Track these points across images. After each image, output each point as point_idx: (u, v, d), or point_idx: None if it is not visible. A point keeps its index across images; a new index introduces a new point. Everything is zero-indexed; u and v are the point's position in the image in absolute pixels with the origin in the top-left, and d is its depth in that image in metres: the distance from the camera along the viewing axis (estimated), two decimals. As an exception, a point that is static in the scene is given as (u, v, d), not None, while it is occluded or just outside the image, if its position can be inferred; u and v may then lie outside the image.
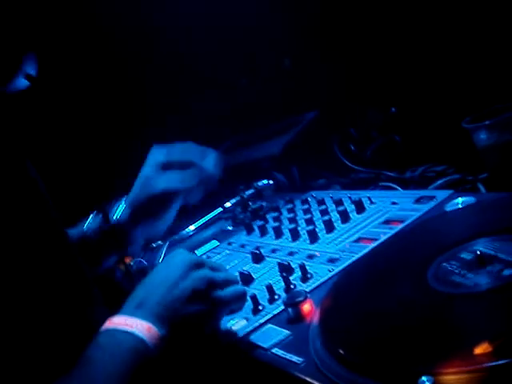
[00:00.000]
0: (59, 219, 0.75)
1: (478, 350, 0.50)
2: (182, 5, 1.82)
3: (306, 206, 1.19)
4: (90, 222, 1.01)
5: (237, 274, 0.94)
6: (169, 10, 1.80)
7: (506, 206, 0.79)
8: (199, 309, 0.73)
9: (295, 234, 1.06)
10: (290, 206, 1.24)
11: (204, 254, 1.21)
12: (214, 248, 1.22)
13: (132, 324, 0.69)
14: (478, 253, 0.66)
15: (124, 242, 1.00)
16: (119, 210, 1.00)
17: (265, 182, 1.42)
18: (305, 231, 1.04)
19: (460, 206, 0.90)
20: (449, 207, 0.91)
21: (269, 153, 1.70)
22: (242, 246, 1.15)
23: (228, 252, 1.15)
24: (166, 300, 0.72)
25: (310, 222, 1.08)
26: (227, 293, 0.76)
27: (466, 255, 0.68)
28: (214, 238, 1.28)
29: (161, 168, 1.00)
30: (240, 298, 0.78)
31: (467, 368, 0.48)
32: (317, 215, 1.12)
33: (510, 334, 0.50)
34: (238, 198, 1.39)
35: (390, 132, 1.55)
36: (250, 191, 1.39)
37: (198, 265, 0.77)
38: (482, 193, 1.02)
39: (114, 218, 0.99)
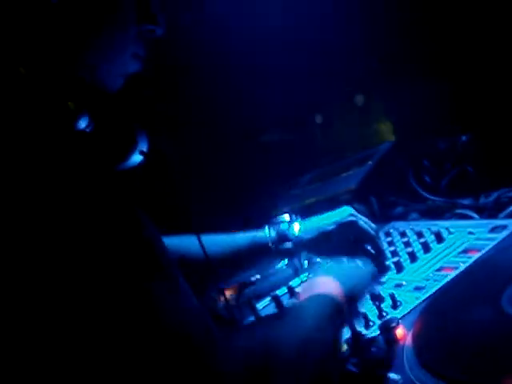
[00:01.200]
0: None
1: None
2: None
3: (389, 239, 1.31)
4: (272, 234, 1.19)
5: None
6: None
7: None
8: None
9: (383, 266, 1.19)
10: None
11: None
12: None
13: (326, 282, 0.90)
14: (547, 280, 0.78)
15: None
16: (295, 230, 1.18)
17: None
18: (391, 262, 1.17)
19: (531, 235, 1.01)
20: (521, 236, 1.03)
21: (347, 186, 1.82)
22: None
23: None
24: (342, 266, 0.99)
25: (394, 253, 1.20)
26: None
27: (536, 282, 0.80)
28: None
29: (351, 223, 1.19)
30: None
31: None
32: (400, 246, 1.24)
33: None
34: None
35: (463, 161, 1.65)
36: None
37: None
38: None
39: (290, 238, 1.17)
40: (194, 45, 2.02)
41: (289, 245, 1.18)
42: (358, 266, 1.00)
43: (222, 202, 2.20)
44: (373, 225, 1.20)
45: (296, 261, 1.21)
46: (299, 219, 1.22)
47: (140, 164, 0.86)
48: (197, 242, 0.96)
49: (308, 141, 2.32)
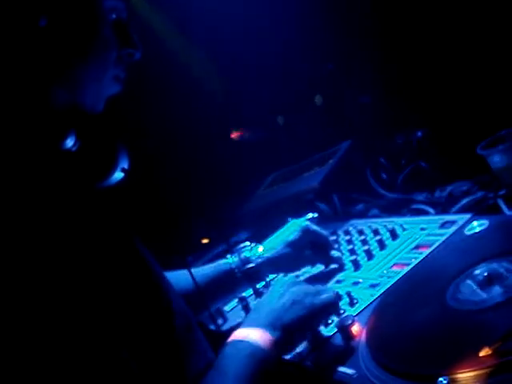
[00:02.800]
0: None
1: (482, 353, 0.68)
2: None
3: (348, 237, 1.37)
4: (234, 260, 1.23)
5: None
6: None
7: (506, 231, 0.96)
8: (299, 314, 0.93)
9: (341, 265, 1.25)
10: (334, 237, 1.42)
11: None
12: (271, 279, 1.41)
13: (248, 333, 0.88)
14: (486, 274, 0.84)
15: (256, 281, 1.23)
16: (256, 254, 1.23)
17: (310, 215, 1.58)
18: (349, 260, 1.23)
19: (477, 230, 1.08)
20: (467, 231, 1.09)
21: (310, 185, 1.88)
22: (297, 276, 1.33)
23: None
24: (272, 310, 0.93)
25: (352, 251, 1.26)
26: (321, 298, 0.97)
27: (477, 276, 0.86)
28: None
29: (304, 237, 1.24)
30: (333, 301, 0.98)
31: (473, 368, 0.66)
32: (358, 244, 1.30)
33: (504, 339, 0.68)
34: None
35: (418, 158, 1.71)
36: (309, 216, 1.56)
37: (295, 283, 1.00)
38: (496, 215, 1.16)
39: (253, 261, 1.22)
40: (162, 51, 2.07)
41: (252, 266, 1.22)
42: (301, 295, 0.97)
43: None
44: (324, 231, 1.28)
45: (264, 282, 1.25)
46: (259, 244, 1.28)
47: (121, 181, 0.89)
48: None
49: (271, 142, 2.36)
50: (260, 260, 1.24)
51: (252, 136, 2.45)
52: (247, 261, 1.23)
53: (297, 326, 0.93)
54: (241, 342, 0.87)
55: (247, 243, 1.29)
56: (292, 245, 1.26)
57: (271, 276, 1.29)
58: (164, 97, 2.13)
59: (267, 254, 1.25)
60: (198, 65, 2.13)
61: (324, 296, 0.98)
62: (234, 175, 2.35)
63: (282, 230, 1.31)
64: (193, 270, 1.17)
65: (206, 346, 0.85)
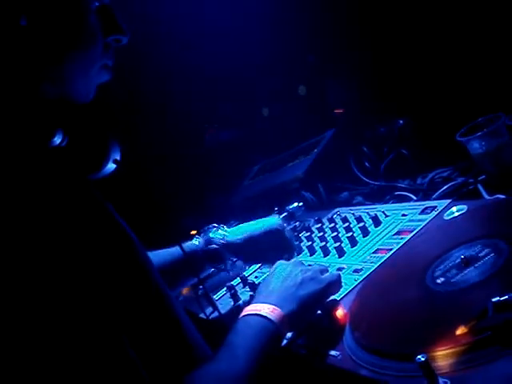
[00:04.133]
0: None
1: (458, 332, 0.72)
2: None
3: (332, 224, 1.40)
4: (199, 241, 1.27)
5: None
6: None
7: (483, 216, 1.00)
8: (310, 291, 0.96)
9: (325, 251, 1.28)
10: (319, 225, 1.45)
11: (252, 273, 1.43)
12: (258, 268, 1.44)
13: (260, 308, 0.91)
14: (462, 257, 0.87)
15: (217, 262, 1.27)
16: (219, 237, 1.26)
17: (295, 205, 1.61)
18: (333, 247, 1.26)
19: (456, 214, 1.12)
20: (446, 216, 1.13)
21: (295, 174, 1.91)
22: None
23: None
24: (284, 287, 0.97)
25: (336, 238, 1.29)
26: (327, 276, 1.01)
27: (454, 259, 0.90)
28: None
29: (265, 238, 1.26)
30: (337, 280, 1.02)
31: (449, 346, 0.70)
32: (342, 232, 1.33)
33: (479, 317, 0.71)
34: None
35: (399, 145, 1.75)
36: (284, 214, 1.60)
37: (300, 263, 1.05)
38: (475, 200, 1.20)
39: (215, 242, 1.26)
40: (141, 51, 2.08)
41: (213, 247, 1.25)
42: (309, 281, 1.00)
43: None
44: (295, 241, 1.32)
45: (225, 265, 1.28)
46: (226, 226, 1.31)
47: (114, 172, 0.91)
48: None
49: (256, 134, 2.39)
50: (221, 242, 1.26)
51: (224, 135, 2.48)
52: (210, 242, 1.26)
53: (308, 303, 0.96)
54: (253, 317, 0.90)
55: (214, 225, 1.31)
56: (252, 239, 1.27)
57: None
58: (150, 90, 2.14)
59: (229, 238, 1.28)
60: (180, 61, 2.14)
61: (329, 274, 1.02)
62: (220, 167, 2.37)
63: (258, 220, 1.33)
64: (159, 251, 1.22)
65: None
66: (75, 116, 0.87)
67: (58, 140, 0.82)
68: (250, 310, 0.92)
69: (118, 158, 0.91)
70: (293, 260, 1.09)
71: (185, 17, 2.02)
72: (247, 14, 2.00)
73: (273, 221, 1.30)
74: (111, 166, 0.90)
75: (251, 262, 1.34)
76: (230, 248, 1.27)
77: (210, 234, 1.28)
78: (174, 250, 1.24)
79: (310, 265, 1.09)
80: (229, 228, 1.32)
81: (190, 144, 2.38)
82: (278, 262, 1.06)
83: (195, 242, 1.28)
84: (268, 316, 0.89)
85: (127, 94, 1.97)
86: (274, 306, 0.91)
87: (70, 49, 0.83)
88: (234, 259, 1.29)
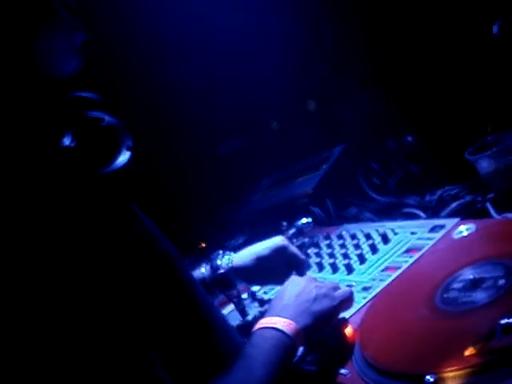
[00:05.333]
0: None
1: (467, 353, 0.72)
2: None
3: (341, 241, 1.41)
4: (206, 268, 1.26)
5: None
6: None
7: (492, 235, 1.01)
8: (325, 307, 0.98)
9: (334, 268, 1.29)
10: (327, 241, 1.46)
11: (260, 289, 1.44)
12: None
13: (275, 322, 0.92)
14: (471, 277, 0.88)
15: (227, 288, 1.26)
16: (226, 262, 1.26)
17: (304, 221, 1.62)
18: (342, 264, 1.27)
19: (465, 234, 1.12)
20: (455, 235, 1.14)
21: (304, 190, 1.92)
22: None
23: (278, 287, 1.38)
24: (298, 301, 0.98)
25: (345, 255, 1.30)
26: (340, 293, 1.02)
27: (462, 279, 0.90)
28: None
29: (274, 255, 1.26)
30: (350, 297, 1.03)
31: (458, 367, 0.71)
32: (351, 248, 1.34)
33: (487, 338, 0.72)
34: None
35: (408, 162, 1.76)
36: (293, 230, 1.61)
37: (314, 279, 1.06)
38: (483, 219, 1.20)
39: (222, 268, 1.25)
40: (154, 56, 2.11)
41: (221, 272, 1.25)
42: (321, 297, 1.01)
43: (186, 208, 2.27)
44: (302, 256, 1.30)
45: (234, 292, 1.28)
46: (232, 252, 1.30)
47: (130, 160, 0.89)
48: None
49: (265, 147, 2.41)
50: (228, 267, 1.26)
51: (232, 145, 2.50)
52: (217, 268, 1.26)
53: (321, 319, 0.97)
54: (269, 331, 0.91)
55: (220, 251, 1.31)
56: (261, 259, 1.27)
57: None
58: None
59: (236, 263, 1.28)
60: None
61: (342, 291, 1.04)
62: (229, 180, 2.39)
63: (262, 242, 1.32)
64: None
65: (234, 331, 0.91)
66: (83, 112, 0.85)
67: (67, 141, 0.81)
68: (265, 322, 0.93)
69: (130, 144, 0.89)
70: (306, 276, 1.10)
71: (204, 28, 2.05)
72: (261, 28, 2.03)
73: (277, 239, 1.30)
74: (126, 155, 0.88)
75: (261, 283, 1.35)
76: (239, 272, 1.27)
77: (218, 261, 1.27)
78: None
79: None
80: (235, 252, 1.31)
81: (198, 154, 2.40)
82: (292, 277, 1.07)
83: (202, 270, 1.28)
84: (284, 330, 0.90)
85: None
86: (289, 320, 0.92)
87: (40, 19, 0.81)
88: (240, 288, 1.29)
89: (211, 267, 1.27)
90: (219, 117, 2.39)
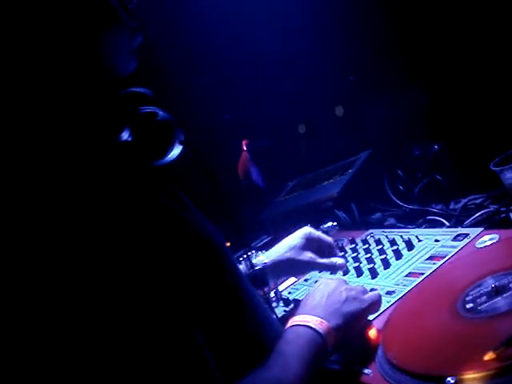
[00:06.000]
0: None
1: (487, 357, 0.76)
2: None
3: (366, 246, 1.45)
4: (243, 266, 1.30)
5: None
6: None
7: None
8: (355, 308, 1.02)
9: (359, 271, 1.33)
10: (352, 245, 1.50)
11: (285, 289, 1.49)
12: (292, 284, 1.50)
13: (308, 320, 0.96)
14: (493, 285, 0.92)
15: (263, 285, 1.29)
16: (262, 260, 1.31)
17: (329, 224, 1.65)
18: (366, 268, 1.31)
19: (488, 243, 1.16)
20: (478, 244, 1.17)
21: (330, 193, 1.96)
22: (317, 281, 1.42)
23: (306, 287, 1.43)
24: (329, 302, 1.02)
25: (370, 260, 1.34)
26: (369, 297, 1.07)
27: (485, 287, 0.94)
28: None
29: (306, 243, 1.32)
30: (378, 300, 1.08)
31: (478, 370, 0.75)
32: (375, 253, 1.38)
33: (507, 344, 0.76)
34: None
35: (434, 170, 1.79)
36: (318, 232, 1.64)
37: (344, 282, 1.10)
38: (507, 229, 1.23)
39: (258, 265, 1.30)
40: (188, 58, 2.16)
41: (258, 269, 1.29)
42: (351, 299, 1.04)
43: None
44: (328, 237, 1.38)
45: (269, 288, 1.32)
46: (264, 250, 1.36)
47: (181, 154, 0.92)
48: None
49: (292, 150, 2.45)
50: (265, 263, 1.31)
51: (259, 144, 2.53)
52: (253, 266, 1.30)
53: (351, 320, 1.01)
54: (302, 328, 0.95)
55: (252, 251, 1.36)
56: (293, 248, 1.34)
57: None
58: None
59: (271, 258, 1.33)
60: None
61: (372, 294, 1.08)
62: (254, 182, 2.43)
63: (286, 238, 1.39)
64: None
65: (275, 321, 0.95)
66: (141, 109, 0.90)
67: (125, 136, 0.86)
68: (298, 320, 0.97)
69: (183, 138, 0.93)
70: (337, 278, 1.14)
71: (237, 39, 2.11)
72: (296, 32, 2.08)
73: (304, 228, 1.38)
74: (178, 148, 0.91)
75: (297, 274, 1.41)
76: (274, 267, 1.32)
77: (253, 260, 1.32)
78: None
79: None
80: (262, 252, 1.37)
81: (228, 153, 2.45)
82: (323, 278, 1.12)
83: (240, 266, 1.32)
84: (316, 328, 0.94)
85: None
86: (321, 319, 0.96)
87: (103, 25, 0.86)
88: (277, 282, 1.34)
89: (247, 266, 1.31)
90: (246, 118, 2.43)
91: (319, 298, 1.04)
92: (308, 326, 0.95)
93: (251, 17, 2.12)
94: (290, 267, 1.34)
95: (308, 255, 1.34)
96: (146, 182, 0.83)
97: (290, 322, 0.98)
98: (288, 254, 1.33)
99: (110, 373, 0.72)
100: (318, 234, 1.38)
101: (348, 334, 1.01)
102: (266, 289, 1.31)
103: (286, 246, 1.35)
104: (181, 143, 0.92)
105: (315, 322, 0.96)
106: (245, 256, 1.32)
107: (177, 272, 0.78)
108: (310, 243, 1.36)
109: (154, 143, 0.88)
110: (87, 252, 0.73)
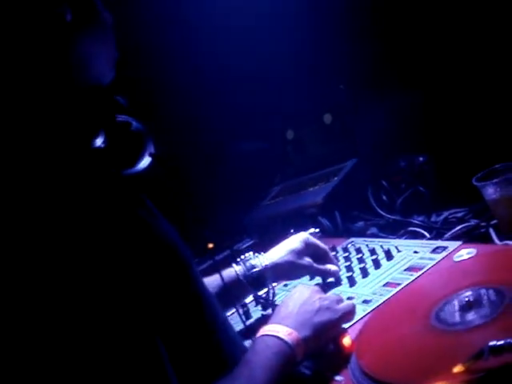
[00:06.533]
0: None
1: (456, 370, 0.78)
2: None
3: (346, 254, 1.46)
4: (239, 268, 1.31)
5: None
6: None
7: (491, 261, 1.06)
8: (327, 318, 1.02)
9: (337, 279, 1.34)
10: (333, 253, 1.50)
11: (264, 293, 1.49)
12: (271, 288, 1.49)
13: (278, 330, 0.96)
14: (467, 299, 0.93)
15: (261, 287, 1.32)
16: (261, 261, 1.32)
17: (312, 230, 1.66)
18: (345, 276, 1.32)
19: (465, 257, 1.17)
20: (456, 258, 1.19)
21: (314, 200, 1.97)
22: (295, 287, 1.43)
23: (285, 293, 1.44)
24: (301, 311, 1.02)
25: (349, 268, 1.35)
26: (342, 307, 1.07)
27: (459, 300, 0.95)
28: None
29: (305, 248, 1.34)
30: (352, 310, 1.08)
31: (447, 382, 0.76)
32: (355, 262, 1.40)
33: (476, 358, 0.77)
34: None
35: (417, 181, 1.80)
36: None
37: (319, 290, 1.10)
38: (485, 244, 1.25)
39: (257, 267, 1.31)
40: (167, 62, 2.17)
41: (257, 271, 1.31)
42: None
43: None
44: (324, 245, 1.40)
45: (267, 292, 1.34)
46: (262, 252, 1.37)
47: (150, 166, 0.96)
48: None
49: (280, 155, 2.46)
50: (265, 265, 1.32)
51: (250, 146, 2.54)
52: (252, 268, 1.31)
53: (322, 330, 1.01)
54: (271, 338, 0.95)
55: (251, 253, 1.37)
56: (293, 252, 1.35)
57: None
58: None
59: (271, 260, 1.34)
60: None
61: (345, 305, 1.08)
62: (241, 184, 2.44)
63: (285, 241, 1.40)
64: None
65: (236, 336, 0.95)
66: (115, 117, 0.91)
67: (99, 142, 0.88)
68: (267, 330, 0.98)
69: (153, 151, 0.95)
70: (312, 286, 1.14)
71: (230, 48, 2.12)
72: (281, 37, 2.09)
73: (302, 233, 1.41)
74: (147, 160, 0.94)
75: (293, 278, 1.41)
76: (273, 269, 1.32)
77: (251, 262, 1.33)
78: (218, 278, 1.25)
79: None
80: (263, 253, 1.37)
81: (212, 157, 2.45)
82: (299, 286, 1.12)
83: (237, 269, 1.33)
84: (285, 339, 0.95)
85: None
86: (291, 330, 0.97)
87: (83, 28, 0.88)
88: (274, 285, 1.34)
89: (245, 267, 1.32)
90: (233, 121, 2.44)
91: (292, 306, 1.04)
92: (277, 337, 0.95)
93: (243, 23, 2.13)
94: (289, 270, 1.35)
95: (307, 259, 1.35)
96: (113, 189, 0.84)
97: (261, 332, 0.98)
98: (288, 257, 1.34)
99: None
100: (315, 240, 1.40)
101: (319, 344, 1.02)
102: (264, 290, 1.32)
103: (286, 249, 1.36)
104: (150, 155, 0.94)
105: (285, 332, 0.96)
106: (243, 257, 1.33)
107: (140, 280, 0.78)
108: (307, 248, 1.37)
109: (126, 152, 0.90)
110: (48, 258, 0.73)
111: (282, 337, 0.95)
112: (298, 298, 1.07)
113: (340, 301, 1.09)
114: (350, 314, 1.07)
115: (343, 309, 1.06)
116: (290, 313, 1.02)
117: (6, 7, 0.80)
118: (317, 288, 1.13)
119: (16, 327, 0.72)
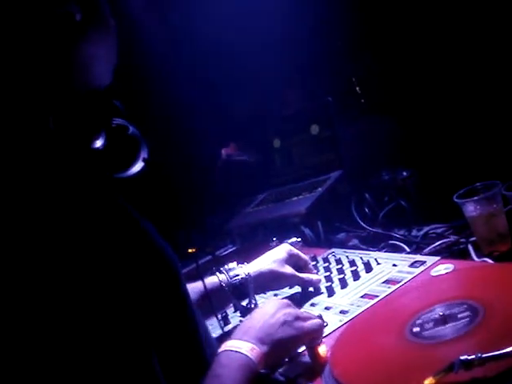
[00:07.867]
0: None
1: (426, 382, 0.79)
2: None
3: (326, 264, 1.48)
4: (222, 277, 1.31)
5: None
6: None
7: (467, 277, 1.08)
8: (288, 335, 1.02)
9: (317, 289, 1.35)
10: (313, 262, 1.52)
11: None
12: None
13: (241, 346, 0.96)
14: (441, 313, 0.95)
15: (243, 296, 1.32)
16: (244, 271, 1.32)
17: (293, 239, 1.67)
18: (324, 286, 1.33)
19: (442, 272, 1.19)
20: (433, 272, 1.21)
21: (297, 209, 1.98)
22: (275, 295, 1.44)
23: (264, 301, 1.44)
24: (264, 327, 1.01)
25: (328, 278, 1.37)
26: (309, 324, 1.05)
27: (433, 314, 0.97)
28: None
29: (288, 258, 1.36)
30: (319, 328, 1.06)
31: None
32: (334, 272, 1.41)
33: (446, 371, 0.78)
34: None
35: (400, 195, 1.83)
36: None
37: (288, 305, 1.09)
38: (462, 260, 1.27)
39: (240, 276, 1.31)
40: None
41: (238, 279, 1.31)
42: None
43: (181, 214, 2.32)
44: (305, 256, 1.42)
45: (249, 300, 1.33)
46: (245, 262, 1.38)
47: (142, 171, 0.96)
48: None
49: (266, 163, 2.48)
50: (248, 274, 1.33)
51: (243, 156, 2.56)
52: (235, 276, 1.32)
53: (284, 345, 1.01)
54: (234, 352, 0.95)
55: (234, 263, 1.37)
56: (276, 262, 1.37)
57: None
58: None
59: (255, 269, 1.35)
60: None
61: (312, 322, 1.06)
62: (225, 191, 2.46)
63: (268, 252, 1.42)
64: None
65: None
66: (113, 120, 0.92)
67: (99, 143, 0.88)
68: (230, 346, 0.97)
69: (146, 156, 0.96)
70: (283, 300, 1.12)
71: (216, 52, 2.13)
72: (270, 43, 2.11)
73: (285, 245, 1.43)
74: (140, 165, 0.95)
75: (275, 288, 1.42)
76: (256, 278, 1.33)
77: (234, 271, 1.33)
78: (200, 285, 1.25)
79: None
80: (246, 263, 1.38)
81: (197, 163, 2.46)
82: (270, 299, 1.13)
83: (220, 277, 1.33)
84: (248, 355, 0.95)
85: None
86: (252, 345, 0.96)
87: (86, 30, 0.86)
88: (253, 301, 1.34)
89: (229, 276, 1.32)
90: (222, 129, 2.45)
91: (257, 320, 1.03)
92: (239, 352, 0.95)
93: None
94: (272, 280, 1.36)
95: (290, 269, 1.37)
96: (105, 192, 0.85)
97: (223, 347, 0.97)
98: (272, 267, 1.35)
99: None
100: (297, 251, 1.42)
101: (280, 358, 1.03)
102: (246, 300, 1.32)
103: (270, 258, 1.38)
104: (143, 160, 0.95)
105: (247, 348, 0.96)
106: (226, 266, 1.34)
107: (131, 282, 0.79)
108: (290, 258, 1.39)
109: (121, 156, 0.91)
110: (37, 262, 0.73)
111: (245, 352, 0.95)
112: (266, 310, 1.06)
113: (308, 318, 1.07)
114: (315, 331, 1.05)
115: (308, 327, 1.04)
116: (253, 326, 1.02)
117: (18, 3, 0.79)
118: (287, 302, 1.11)
119: (3, 334, 0.72)
